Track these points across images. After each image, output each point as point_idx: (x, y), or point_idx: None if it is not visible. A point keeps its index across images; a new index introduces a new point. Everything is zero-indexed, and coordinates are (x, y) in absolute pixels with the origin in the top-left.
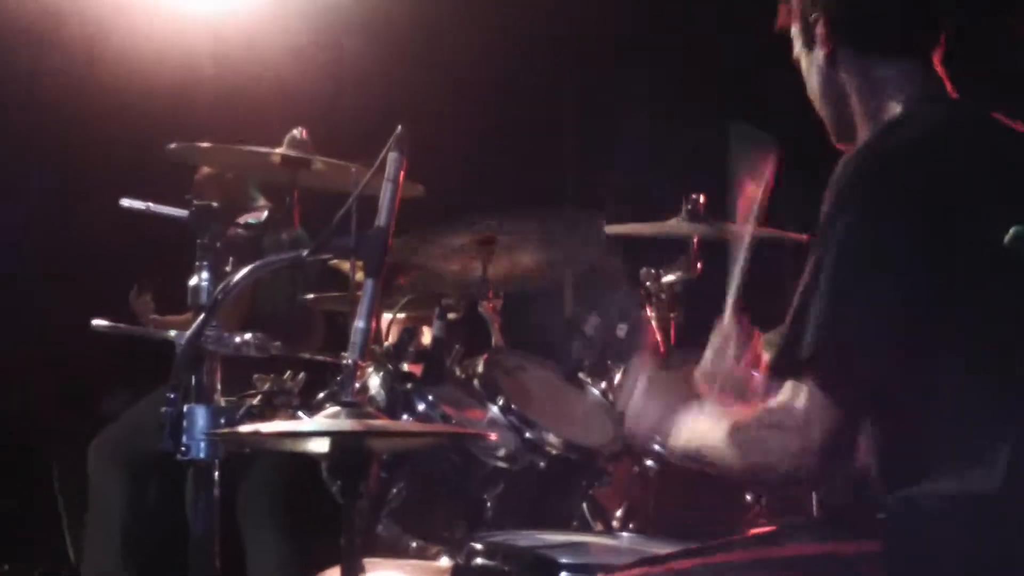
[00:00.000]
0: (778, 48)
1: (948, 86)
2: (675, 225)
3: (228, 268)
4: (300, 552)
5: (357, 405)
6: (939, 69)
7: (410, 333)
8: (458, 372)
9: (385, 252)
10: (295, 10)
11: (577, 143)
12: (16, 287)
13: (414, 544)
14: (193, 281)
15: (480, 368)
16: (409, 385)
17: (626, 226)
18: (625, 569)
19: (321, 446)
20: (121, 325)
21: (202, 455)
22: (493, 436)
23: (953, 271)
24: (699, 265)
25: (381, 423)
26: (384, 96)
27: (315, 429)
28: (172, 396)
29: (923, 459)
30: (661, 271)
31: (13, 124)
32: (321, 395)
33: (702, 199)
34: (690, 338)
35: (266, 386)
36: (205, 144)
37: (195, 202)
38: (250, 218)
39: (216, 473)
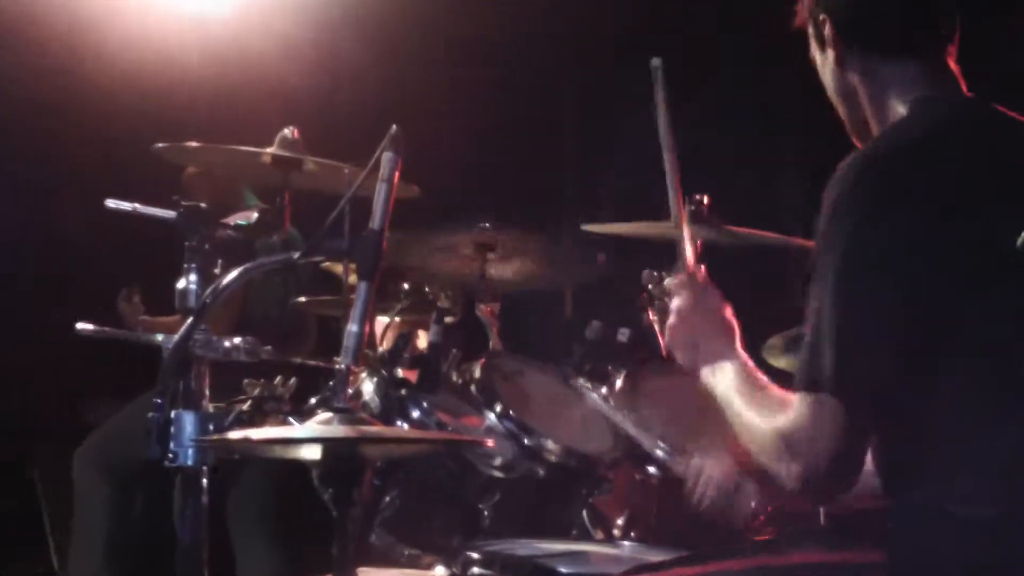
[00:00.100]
0: (778, 48)
1: (961, 84)
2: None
3: (217, 271)
4: (291, 562)
5: (350, 411)
6: (953, 67)
7: (405, 337)
8: (454, 377)
9: (379, 254)
10: (286, 5)
11: (577, 143)
12: None
13: (408, 554)
14: (181, 284)
15: (477, 373)
16: (404, 391)
17: (618, 227)
18: None
19: (313, 453)
20: (107, 328)
21: (190, 462)
22: (490, 443)
23: (955, 273)
24: (703, 268)
25: (375, 430)
26: (379, 94)
27: (307, 436)
28: (159, 401)
29: (926, 465)
30: (664, 273)
31: None
32: (313, 401)
33: (706, 200)
34: None
35: (256, 391)
36: (193, 144)
37: (183, 203)
38: (240, 219)
39: (204, 481)
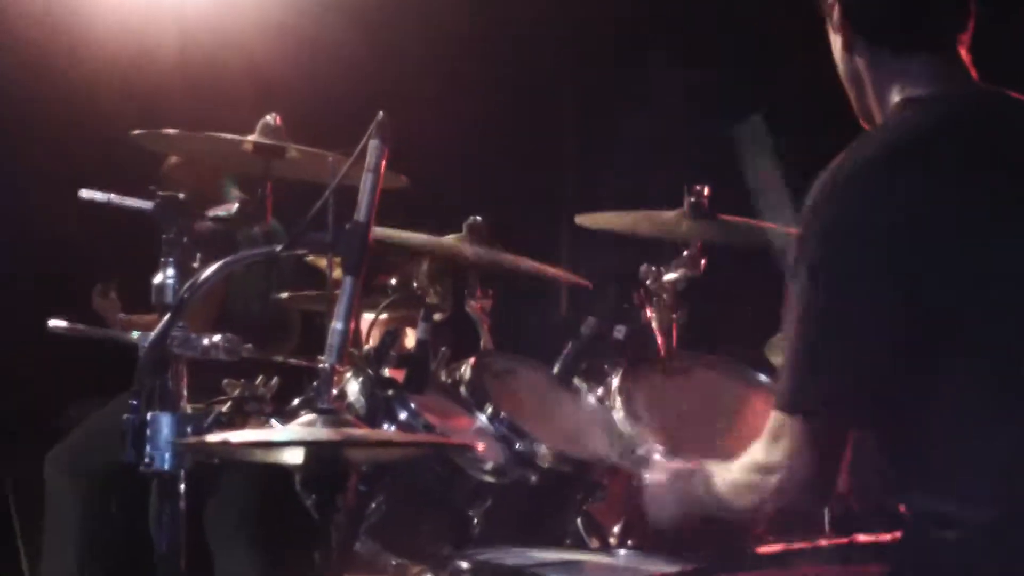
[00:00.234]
0: (778, 48)
1: (972, 75)
2: (675, 220)
3: (196, 264)
4: (273, 570)
5: (334, 413)
6: (964, 57)
7: (392, 335)
8: (443, 377)
9: (365, 248)
10: None
11: (575, 134)
12: None
13: (395, 563)
14: (158, 278)
15: (467, 373)
16: (390, 391)
17: (613, 221)
18: None
19: (295, 457)
20: (80, 326)
21: (167, 466)
22: (481, 447)
23: (935, 281)
24: (703, 262)
25: (360, 432)
26: (365, 80)
27: (289, 438)
28: (135, 402)
29: (925, 466)
30: (662, 268)
31: None
32: (296, 402)
33: (706, 191)
34: (694, 340)
35: (236, 392)
36: (171, 131)
37: (160, 193)
38: (220, 211)
39: (182, 485)
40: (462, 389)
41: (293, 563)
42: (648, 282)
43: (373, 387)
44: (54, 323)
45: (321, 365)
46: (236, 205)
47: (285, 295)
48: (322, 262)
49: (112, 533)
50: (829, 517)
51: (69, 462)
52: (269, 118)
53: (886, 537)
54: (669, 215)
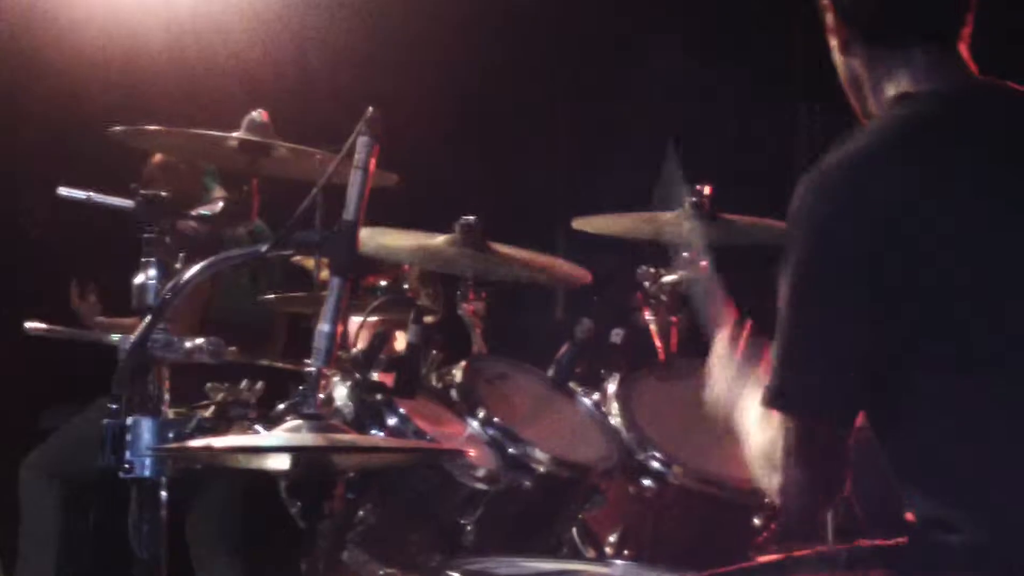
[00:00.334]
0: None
1: (970, 68)
2: (674, 221)
3: (179, 265)
4: None
5: (321, 418)
6: (963, 50)
7: (381, 338)
8: (434, 381)
9: (354, 248)
10: None
11: (572, 134)
12: None
13: (383, 573)
14: (139, 279)
15: (459, 377)
16: (379, 396)
17: (609, 223)
18: None
19: (281, 463)
20: (58, 328)
21: (147, 473)
22: (472, 453)
23: (915, 287)
24: (704, 264)
25: (348, 438)
26: (356, 75)
27: (275, 444)
28: (114, 407)
29: (930, 479)
30: (662, 270)
31: None
32: (281, 406)
33: (707, 191)
34: (694, 345)
35: (220, 396)
36: (153, 127)
37: (141, 191)
38: (204, 209)
39: (163, 493)
40: (453, 393)
41: (277, 573)
42: (646, 284)
43: (361, 391)
44: (32, 325)
45: (308, 369)
46: (220, 204)
47: (271, 297)
48: (309, 262)
49: (90, 541)
50: (833, 525)
51: (47, 467)
52: (255, 114)
53: (889, 543)
54: (669, 216)
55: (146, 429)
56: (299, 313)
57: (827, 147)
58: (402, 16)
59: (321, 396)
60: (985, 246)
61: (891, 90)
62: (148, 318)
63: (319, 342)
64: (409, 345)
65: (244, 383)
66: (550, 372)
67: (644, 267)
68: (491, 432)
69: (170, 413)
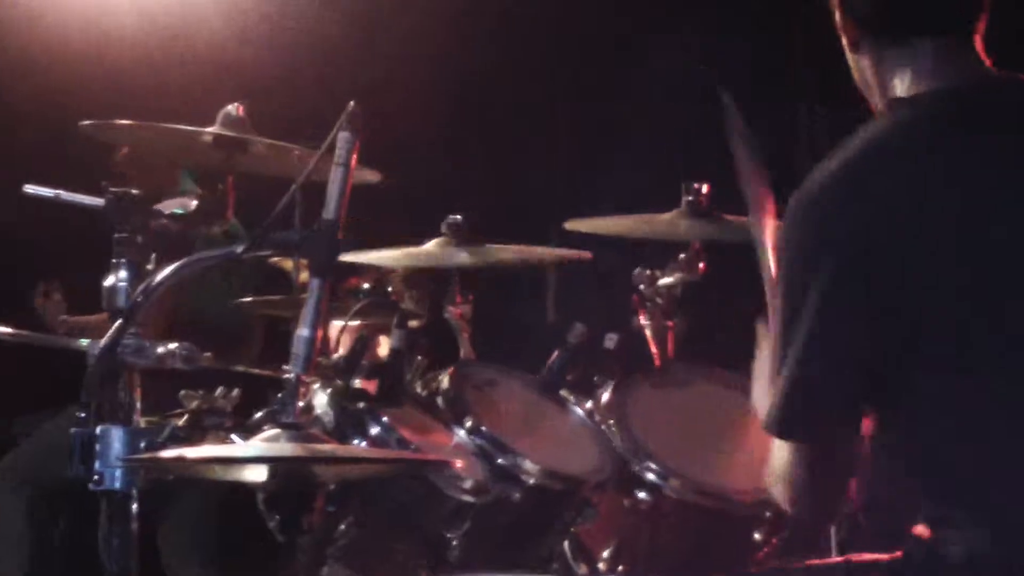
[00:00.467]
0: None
1: (983, 62)
2: (671, 221)
3: (150, 266)
4: None
5: (300, 427)
6: (977, 43)
7: (363, 343)
8: (419, 389)
9: (335, 248)
10: None
11: (569, 133)
12: None
13: None
14: (109, 281)
15: (445, 384)
16: (361, 404)
17: (604, 224)
18: None
19: (258, 475)
20: (24, 332)
21: (118, 484)
22: (459, 463)
23: (900, 310)
24: (702, 265)
25: (328, 448)
26: (338, 67)
27: (251, 454)
28: (83, 415)
29: (931, 489)
30: (658, 272)
31: None
32: (259, 415)
33: (704, 189)
34: (691, 350)
35: (194, 404)
36: (124, 121)
37: (112, 189)
38: (176, 207)
39: (134, 505)
40: (439, 401)
41: None
42: (642, 287)
43: (342, 399)
44: None
45: (286, 375)
46: (194, 201)
47: (247, 299)
48: (288, 264)
49: (61, 548)
50: (836, 539)
51: (13, 479)
52: (231, 108)
53: (887, 556)
54: (665, 216)
55: (116, 438)
56: (277, 317)
57: (827, 147)
58: (389, 6)
59: (300, 404)
60: (985, 246)
61: (899, 87)
62: (118, 322)
63: (298, 347)
64: (393, 350)
65: (219, 390)
66: (540, 378)
67: (640, 269)
68: (479, 442)
69: (142, 422)
